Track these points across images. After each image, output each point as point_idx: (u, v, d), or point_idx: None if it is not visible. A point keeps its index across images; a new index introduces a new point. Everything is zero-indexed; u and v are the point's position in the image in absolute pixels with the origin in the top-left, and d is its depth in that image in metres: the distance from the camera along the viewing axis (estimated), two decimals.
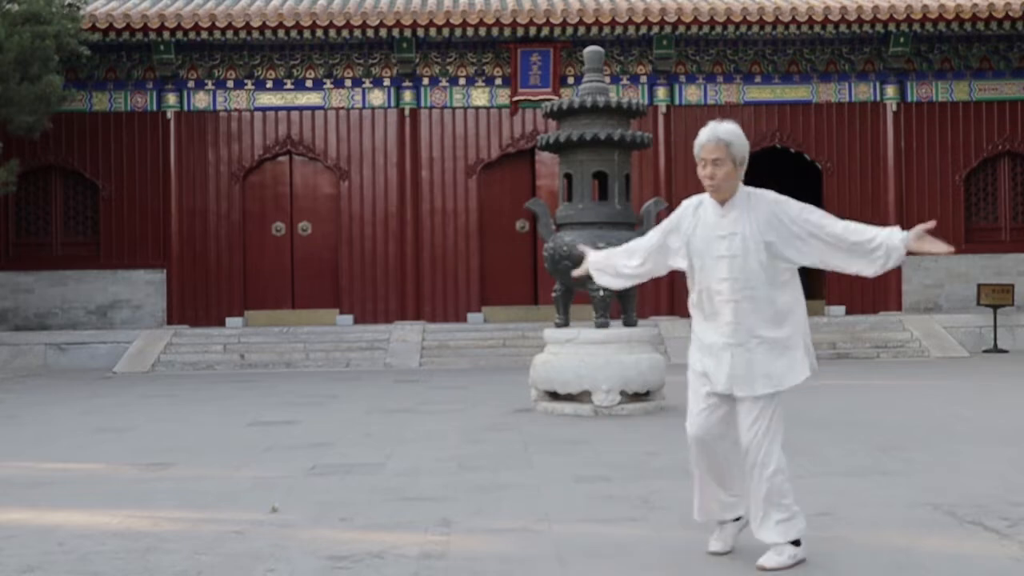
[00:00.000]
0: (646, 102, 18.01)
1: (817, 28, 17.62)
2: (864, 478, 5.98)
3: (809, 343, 4.24)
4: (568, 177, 10.12)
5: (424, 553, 4.39)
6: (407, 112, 18.38)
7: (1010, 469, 6.24)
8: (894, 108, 18.47)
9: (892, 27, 17.66)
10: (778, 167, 19.92)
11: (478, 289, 18.33)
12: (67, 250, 18.28)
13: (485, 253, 18.43)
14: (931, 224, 3.96)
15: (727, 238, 4.09)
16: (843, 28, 17.58)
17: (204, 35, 17.37)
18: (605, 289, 9.64)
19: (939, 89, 18.55)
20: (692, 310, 4.30)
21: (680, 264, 4.26)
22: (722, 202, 4.15)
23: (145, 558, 4.40)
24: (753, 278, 4.08)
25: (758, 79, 18.51)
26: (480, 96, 18.49)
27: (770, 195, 4.20)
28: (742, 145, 4.14)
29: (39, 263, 18.13)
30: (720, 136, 4.11)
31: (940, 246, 3.96)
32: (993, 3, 17.14)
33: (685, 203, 4.28)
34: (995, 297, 17.09)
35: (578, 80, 16.87)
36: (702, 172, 4.14)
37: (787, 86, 18.54)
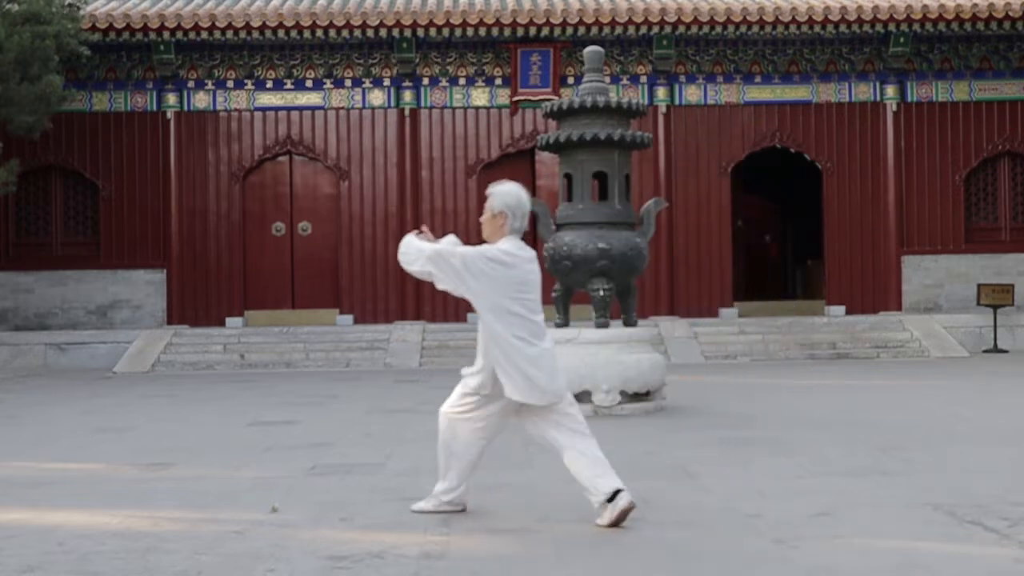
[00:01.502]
0: (646, 102, 18.00)
1: (817, 28, 17.61)
2: (864, 478, 5.98)
3: (511, 371, 4.91)
4: (568, 177, 10.12)
5: (424, 553, 4.39)
6: (407, 112, 18.38)
7: (1010, 469, 6.24)
8: (894, 108, 18.46)
9: (892, 27, 17.65)
10: (778, 167, 19.93)
11: None
12: (67, 250, 18.27)
13: None
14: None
15: None
16: (843, 28, 17.58)
17: (204, 35, 17.36)
18: (605, 289, 9.66)
19: (939, 89, 18.55)
20: None
21: None
22: None
23: (145, 558, 4.40)
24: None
25: (758, 79, 18.50)
26: (480, 96, 18.49)
27: None
28: (500, 199, 5.07)
29: (39, 263, 18.13)
30: (489, 190, 5.13)
31: None
32: (993, 3, 17.13)
33: None
34: (995, 297, 17.09)
35: (578, 80, 16.85)
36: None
37: (787, 86, 18.53)
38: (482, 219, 5.14)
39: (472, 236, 18.24)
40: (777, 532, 4.64)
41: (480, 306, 5.00)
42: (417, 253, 5.08)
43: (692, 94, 18.50)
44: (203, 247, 18.22)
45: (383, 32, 17.37)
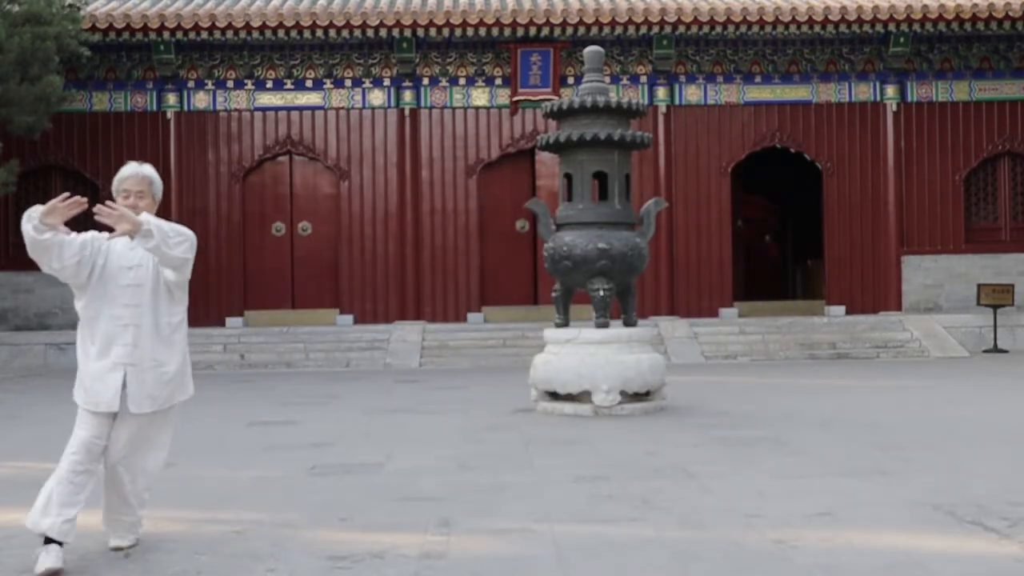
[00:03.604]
0: (646, 102, 18.01)
1: (817, 28, 17.61)
2: (864, 478, 5.98)
3: (189, 367, 4.65)
4: (568, 177, 10.12)
5: (424, 553, 4.39)
6: (407, 112, 18.38)
7: (1010, 469, 6.24)
8: (894, 108, 18.46)
9: (892, 27, 17.65)
10: (778, 167, 19.94)
11: (478, 289, 18.33)
12: None
13: (485, 253, 18.43)
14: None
15: (134, 268, 4.48)
16: (843, 28, 17.58)
17: (204, 35, 17.36)
18: (605, 289, 9.65)
19: (939, 89, 18.54)
20: (81, 336, 4.65)
21: (81, 281, 4.51)
22: (133, 236, 4.35)
23: (145, 558, 4.41)
24: (155, 305, 4.49)
25: (758, 79, 18.50)
26: (480, 96, 18.49)
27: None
28: (160, 186, 4.61)
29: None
30: (145, 173, 4.55)
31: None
32: (993, 3, 17.13)
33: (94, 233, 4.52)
34: (995, 297, 17.09)
35: (578, 80, 16.87)
36: (125, 203, 4.45)
37: (787, 86, 18.53)
38: (139, 204, 4.47)
39: (471, 236, 18.38)
40: (777, 532, 4.65)
41: (185, 294, 4.61)
42: (183, 236, 4.40)
43: (692, 94, 18.50)
44: (203, 247, 18.02)
45: (383, 32, 17.37)
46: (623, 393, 9.35)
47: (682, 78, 18.49)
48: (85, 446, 4.39)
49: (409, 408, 10.22)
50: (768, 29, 17.50)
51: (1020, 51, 18.50)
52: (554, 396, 9.68)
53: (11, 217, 18.28)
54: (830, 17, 17.26)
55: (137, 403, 4.43)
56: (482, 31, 17.38)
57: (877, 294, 18.36)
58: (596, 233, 9.66)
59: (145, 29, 17.15)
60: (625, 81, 18.47)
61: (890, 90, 18.43)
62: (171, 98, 18.24)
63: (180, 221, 18.57)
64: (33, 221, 4.28)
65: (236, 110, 18.37)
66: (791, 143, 18.55)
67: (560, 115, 10.04)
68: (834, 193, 18.51)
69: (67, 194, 4.38)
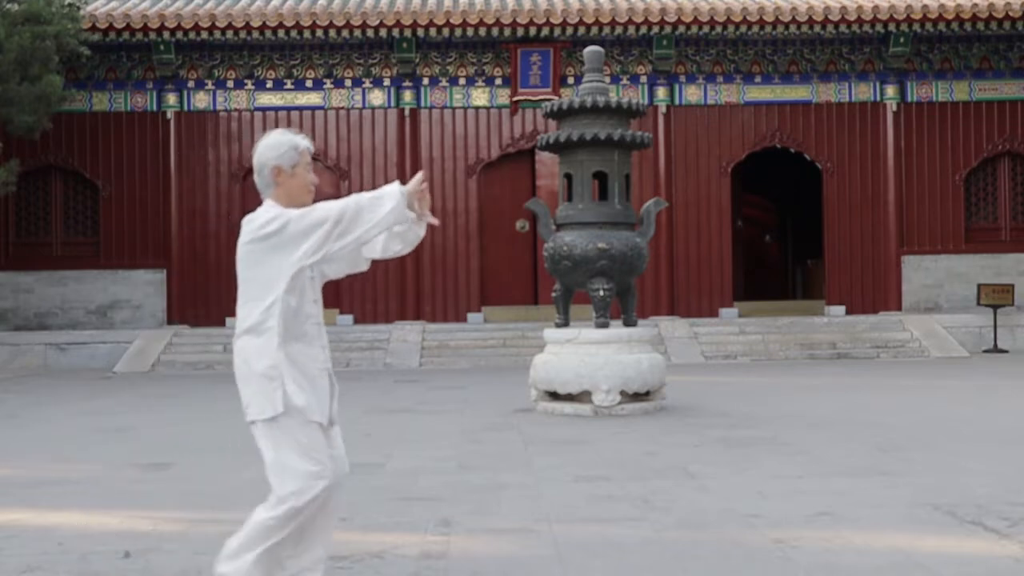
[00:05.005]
0: (646, 102, 18.00)
1: (817, 28, 17.62)
2: (864, 478, 5.98)
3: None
4: (568, 177, 10.11)
5: (424, 553, 4.39)
6: (407, 112, 18.38)
7: (1010, 469, 6.24)
8: (894, 108, 18.46)
9: (892, 27, 17.65)
10: (778, 167, 19.94)
11: (478, 289, 18.33)
12: (67, 250, 18.27)
13: (485, 253, 18.43)
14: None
15: None
16: (843, 28, 17.58)
17: (204, 35, 17.36)
18: (605, 289, 9.65)
19: (939, 89, 18.54)
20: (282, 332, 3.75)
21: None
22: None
23: (145, 558, 4.41)
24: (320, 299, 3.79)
25: (758, 79, 18.50)
26: (480, 96, 18.49)
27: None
28: None
29: (39, 263, 18.12)
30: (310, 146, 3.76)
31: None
32: (993, 3, 17.13)
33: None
34: (995, 297, 17.08)
35: (578, 80, 16.86)
36: (308, 178, 3.71)
37: (787, 86, 18.53)
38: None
39: (471, 236, 18.39)
40: (777, 532, 4.64)
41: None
42: None
43: (692, 94, 18.50)
44: (203, 247, 18.22)
45: (383, 32, 17.38)
46: (623, 393, 9.34)
47: (682, 78, 18.49)
48: (322, 476, 3.51)
49: (409, 408, 10.21)
50: (768, 29, 17.50)
51: (1020, 51, 18.50)
52: (554, 396, 9.68)
53: (11, 217, 18.31)
54: (830, 17, 17.26)
55: (334, 411, 3.79)
56: (482, 31, 17.38)
57: (877, 294, 18.36)
58: (596, 233, 9.66)
59: (145, 29, 17.15)
60: (625, 81, 18.47)
61: (890, 90, 18.43)
62: (171, 98, 18.24)
63: (180, 221, 18.68)
64: (405, 201, 3.63)
65: (236, 110, 18.37)
66: (791, 143, 18.55)
67: (560, 115, 10.04)
68: (834, 193, 18.51)
69: (421, 174, 3.68)
